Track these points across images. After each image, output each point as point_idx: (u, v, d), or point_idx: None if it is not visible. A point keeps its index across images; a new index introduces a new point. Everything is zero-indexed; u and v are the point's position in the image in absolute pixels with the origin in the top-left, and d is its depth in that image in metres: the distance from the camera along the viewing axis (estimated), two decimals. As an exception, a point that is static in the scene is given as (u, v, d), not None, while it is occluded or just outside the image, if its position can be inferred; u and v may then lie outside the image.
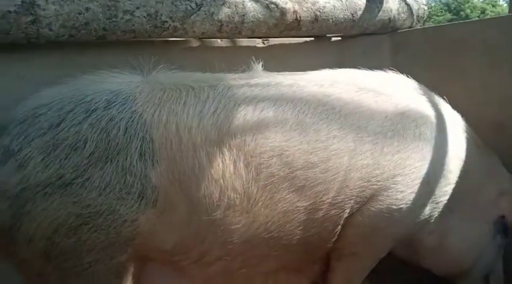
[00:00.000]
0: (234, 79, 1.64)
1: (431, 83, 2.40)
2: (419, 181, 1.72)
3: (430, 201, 1.77)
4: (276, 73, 1.75)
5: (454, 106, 2.10)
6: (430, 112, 1.83)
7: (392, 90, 1.83)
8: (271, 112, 1.55)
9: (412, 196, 1.71)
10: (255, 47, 2.51)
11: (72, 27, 1.90)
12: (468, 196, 1.89)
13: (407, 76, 2.02)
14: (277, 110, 1.57)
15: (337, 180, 1.60)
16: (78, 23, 1.91)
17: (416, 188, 1.71)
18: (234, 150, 1.49)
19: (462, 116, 2.05)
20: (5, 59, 1.86)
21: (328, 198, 1.60)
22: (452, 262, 1.96)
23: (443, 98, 2.02)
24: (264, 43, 2.55)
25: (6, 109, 1.49)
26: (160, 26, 2.11)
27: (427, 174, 1.73)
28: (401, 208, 1.70)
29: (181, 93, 1.51)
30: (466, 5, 25.26)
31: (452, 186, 1.82)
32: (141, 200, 1.41)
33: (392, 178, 1.67)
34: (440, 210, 1.82)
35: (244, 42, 2.50)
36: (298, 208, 1.58)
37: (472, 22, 2.81)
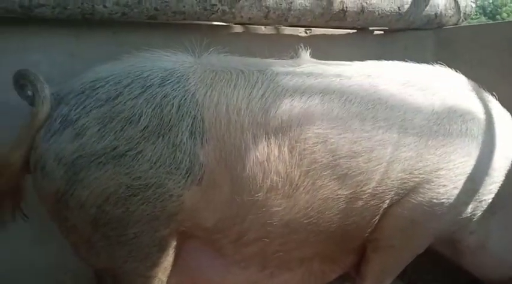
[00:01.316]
0: (283, 65, 1.67)
1: (475, 81, 2.39)
2: (463, 177, 1.72)
3: (473, 198, 1.76)
4: (323, 61, 1.78)
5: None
6: (478, 109, 1.82)
7: (440, 84, 1.83)
8: (317, 100, 1.58)
9: (454, 192, 1.71)
10: (298, 35, 2.54)
11: (125, 5, 1.97)
12: (510, 198, 1.87)
13: (456, 71, 1.99)
14: (324, 97, 1.59)
15: (379, 170, 1.62)
16: (132, 1, 1.98)
17: (459, 184, 1.71)
18: (280, 134, 1.52)
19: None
20: (61, 35, 1.94)
21: (369, 188, 1.62)
22: (491, 266, 1.96)
23: (494, 96, 1.98)
24: (306, 32, 2.57)
25: (57, 84, 1.55)
26: (210, 8, 2.16)
27: (472, 170, 1.73)
28: (443, 202, 1.70)
29: (232, 76, 1.55)
30: (503, 9, 24.52)
31: (497, 185, 1.81)
32: (188, 176, 1.45)
33: (435, 171, 1.68)
34: (483, 209, 1.82)
35: (287, 30, 2.53)
36: (338, 196, 1.60)
37: (520, 21, 2.77)
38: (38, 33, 1.90)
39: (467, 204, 1.76)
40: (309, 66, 1.68)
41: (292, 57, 1.75)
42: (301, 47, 1.76)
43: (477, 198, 1.77)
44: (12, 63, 1.79)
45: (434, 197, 1.69)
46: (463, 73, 2.14)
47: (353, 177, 1.60)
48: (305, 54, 1.76)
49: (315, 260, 1.81)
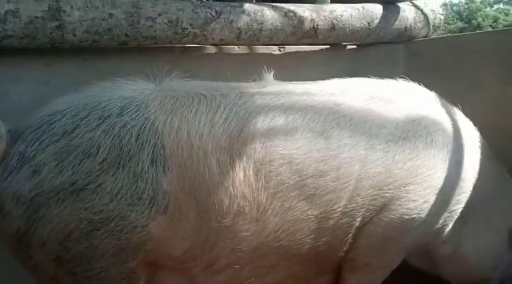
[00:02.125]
0: (246, 88, 1.54)
1: (446, 93, 2.24)
2: (432, 189, 1.59)
3: (443, 210, 1.63)
4: (286, 82, 1.65)
5: (470, 117, 1.94)
6: (443, 120, 1.69)
7: (403, 98, 1.70)
8: (281, 121, 1.46)
9: (424, 206, 1.58)
10: (271, 54, 2.41)
11: (95, 33, 1.84)
12: (480, 206, 1.74)
13: (419, 85, 1.87)
14: (288, 118, 1.47)
15: (348, 188, 1.49)
16: (102, 29, 1.85)
17: (428, 197, 1.59)
18: (244, 158, 1.39)
19: (478, 126, 1.89)
20: (31, 64, 1.80)
21: (339, 207, 1.49)
22: (469, 272, 1.82)
23: (458, 107, 1.87)
24: (280, 50, 2.44)
25: (30, 113, 1.41)
26: (181, 32, 2.03)
27: (440, 182, 1.60)
28: (414, 217, 1.57)
29: (194, 101, 1.42)
30: (478, 14, 24.22)
31: (466, 195, 1.69)
32: (152, 206, 1.32)
33: (404, 187, 1.55)
34: (453, 219, 1.69)
35: (261, 49, 2.39)
36: (308, 216, 1.47)
37: (489, 32, 2.64)
38: (7, 63, 1.75)
39: (438, 215, 1.64)
40: (272, 88, 1.55)
41: (255, 80, 1.62)
42: (264, 69, 1.63)
43: (447, 209, 1.65)
44: None
45: (405, 213, 1.56)
46: (433, 85, 2.01)
47: (322, 196, 1.46)
48: (268, 76, 1.62)
49: (288, 283, 1.66)
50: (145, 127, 1.34)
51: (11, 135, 1.32)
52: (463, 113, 1.89)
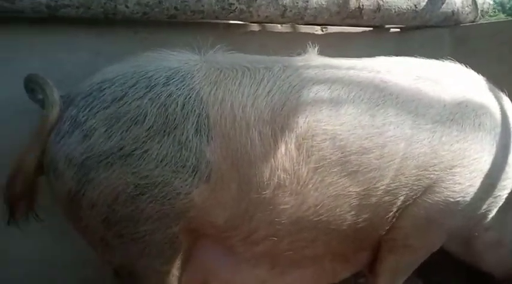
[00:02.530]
0: (290, 61, 1.48)
1: (492, 80, 2.10)
2: (478, 173, 1.50)
3: (489, 194, 1.54)
4: (331, 58, 1.57)
5: None
6: (490, 103, 1.59)
7: (451, 79, 1.61)
8: (325, 96, 1.40)
9: (470, 189, 1.50)
10: (314, 34, 2.31)
11: (146, 5, 1.81)
12: None
13: (466, 67, 1.76)
14: (332, 94, 1.41)
15: (392, 167, 1.42)
16: (152, 1, 1.81)
17: (474, 181, 1.50)
18: (286, 131, 1.35)
19: None
20: (84, 34, 1.80)
21: (382, 185, 1.43)
22: (509, 261, 1.73)
23: (504, 93, 1.75)
24: (322, 30, 2.34)
25: (81, 82, 1.41)
26: (228, 7, 1.97)
27: (487, 166, 1.51)
28: (459, 200, 1.50)
29: (237, 73, 1.38)
30: None
31: (506, 183, 1.58)
32: (195, 174, 1.30)
33: (450, 169, 1.47)
34: (498, 205, 1.60)
35: (303, 28, 2.30)
36: (350, 193, 1.42)
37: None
38: (63, 32, 1.75)
39: (483, 200, 1.55)
40: (316, 63, 1.49)
41: (300, 54, 1.55)
42: (309, 44, 1.56)
43: (493, 193, 1.56)
44: (38, 61, 1.69)
45: (450, 195, 1.49)
46: (480, 71, 1.88)
47: (365, 174, 1.40)
48: (313, 51, 1.55)
49: (327, 258, 1.61)
50: (190, 97, 1.31)
51: (63, 101, 1.33)
52: (510, 99, 1.76)
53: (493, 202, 1.57)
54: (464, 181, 1.49)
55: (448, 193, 1.48)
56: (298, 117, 1.35)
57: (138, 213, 1.31)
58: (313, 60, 1.51)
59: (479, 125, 1.51)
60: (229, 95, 1.34)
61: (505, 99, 1.71)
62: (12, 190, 1.33)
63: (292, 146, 1.35)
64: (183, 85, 1.32)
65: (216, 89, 1.34)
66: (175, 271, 1.43)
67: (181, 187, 1.30)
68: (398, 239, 1.57)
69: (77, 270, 1.86)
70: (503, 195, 1.58)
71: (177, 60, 1.40)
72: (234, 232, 1.43)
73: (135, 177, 1.27)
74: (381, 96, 1.44)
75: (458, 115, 1.50)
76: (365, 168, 1.40)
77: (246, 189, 1.35)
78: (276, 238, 1.45)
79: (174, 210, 1.32)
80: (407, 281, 1.75)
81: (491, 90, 1.68)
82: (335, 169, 1.38)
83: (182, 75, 1.34)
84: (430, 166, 1.45)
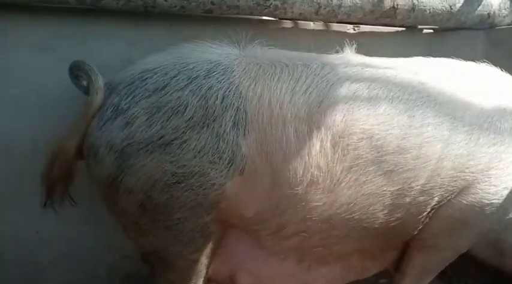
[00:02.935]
0: (328, 59, 1.54)
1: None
2: None
3: None
4: (369, 57, 1.62)
5: None
6: None
7: (489, 82, 1.66)
8: (363, 95, 1.45)
9: (504, 192, 1.54)
10: (346, 32, 2.36)
11: (184, -1, 1.88)
12: None
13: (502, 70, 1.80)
14: (371, 93, 1.45)
15: (428, 167, 1.47)
16: (191, -5, 1.89)
17: (510, 183, 1.54)
18: (322, 129, 1.40)
19: None
20: (122, 25, 1.87)
21: (417, 185, 1.48)
22: None
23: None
24: (354, 29, 2.38)
25: (116, 71, 1.49)
26: (263, 3, 2.03)
27: None
28: (493, 203, 1.54)
29: (276, 69, 1.44)
30: None
31: None
32: (231, 166, 1.36)
33: (486, 171, 1.52)
34: None
35: (335, 27, 2.35)
36: (384, 191, 1.46)
37: None
38: (103, 23, 1.83)
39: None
40: (354, 62, 1.54)
41: (337, 52, 1.60)
42: (346, 42, 1.61)
43: None
44: (76, 50, 1.77)
45: (485, 197, 1.53)
46: (513, 76, 1.90)
47: (400, 173, 1.45)
48: (350, 49, 1.61)
49: (355, 255, 1.67)
50: (230, 90, 1.37)
51: (106, 88, 1.40)
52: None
53: None
54: (500, 183, 1.53)
55: (483, 195, 1.52)
56: (336, 115, 1.40)
57: (173, 201, 1.37)
58: (351, 58, 1.56)
59: None
60: (267, 91, 1.39)
61: None
62: (51, 172, 1.42)
63: (328, 144, 1.40)
64: (223, 79, 1.38)
65: (255, 84, 1.39)
66: (204, 260, 1.50)
67: (217, 178, 1.35)
68: (429, 239, 1.61)
69: (106, 256, 1.96)
70: None
71: (217, 53, 1.46)
72: (263, 225, 1.48)
73: (173, 166, 1.34)
74: (419, 96, 1.48)
75: (496, 118, 1.54)
76: (401, 167, 1.44)
77: (278, 184, 1.41)
78: (306, 234, 1.50)
79: (208, 200, 1.38)
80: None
81: None
82: (370, 168, 1.43)
83: (223, 69, 1.40)
84: (467, 168, 1.49)
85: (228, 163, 1.36)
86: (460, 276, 2.23)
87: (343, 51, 1.60)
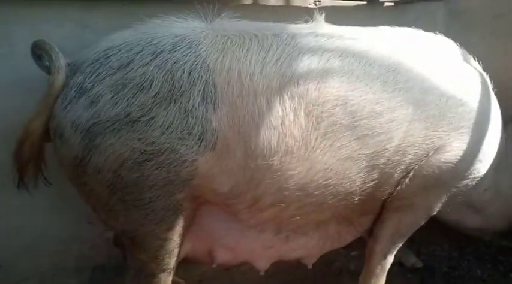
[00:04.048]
0: (298, 29, 1.68)
1: (487, 52, 2.40)
2: (480, 134, 1.84)
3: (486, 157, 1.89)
4: (339, 26, 1.79)
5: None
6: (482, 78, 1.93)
7: (452, 51, 1.94)
8: (336, 63, 1.60)
9: (475, 150, 1.82)
10: (307, 7, 2.54)
11: (135, -23, 2.00)
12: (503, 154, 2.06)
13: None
14: (343, 61, 1.61)
15: (402, 129, 1.66)
16: (142, -27, 2.00)
17: (479, 142, 1.84)
18: (296, 98, 1.54)
19: None
20: (72, 7, 1.96)
21: (391, 146, 1.67)
22: (507, 206, 2.19)
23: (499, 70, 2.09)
24: (315, 4, 2.57)
25: (69, 55, 1.58)
26: (220, -20, 2.18)
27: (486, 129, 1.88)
28: (465, 160, 1.80)
29: (245, 40, 1.56)
30: None
31: (497, 146, 1.96)
32: (201, 142, 1.48)
33: (459, 129, 1.76)
34: (490, 165, 1.94)
35: (297, 1, 2.52)
36: (359, 155, 1.64)
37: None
38: (50, 6, 1.92)
39: (482, 161, 1.88)
40: (325, 30, 1.70)
41: (306, 21, 1.76)
42: (316, 11, 1.77)
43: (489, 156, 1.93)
44: (26, 34, 1.85)
45: (459, 154, 1.77)
46: (474, 45, 2.18)
47: (375, 137, 1.64)
48: (320, 18, 1.76)
49: (332, 223, 1.84)
50: (197, 64, 1.48)
51: (70, 68, 1.50)
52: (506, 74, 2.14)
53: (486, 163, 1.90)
54: (470, 141, 1.79)
55: (457, 152, 1.76)
56: (309, 84, 1.55)
57: (144, 180, 1.48)
58: (321, 27, 1.71)
59: (485, 91, 1.87)
60: (236, 62, 1.51)
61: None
62: (20, 155, 1.51)
63: (302, 113, 1.54)
64: (189, 52, 1.49)
65: (223, 56, 1.51)
66: (176, 238, 1.62)
67: (187, 154, 1.47)
68: (406, 198, 1.82)
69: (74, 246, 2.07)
70: (493, 157, 1.94)
71: (183, 27, 1.58)
72: (239, 199, 1.62)
73: (141, 144, 1.44)
74: (391, 63, 1.68)
75: (460, 81, 1.81)
76: (375, 131, 1.62)
77: (252, 157, 1.54)
78: (283, 204, 1.65)
79: (179, 177, 1.49)
80: (398, 252, 2.04)
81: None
82: (345, 134, 1.59)
83: (189, 42, 1.51)
84: (440, 127, 1.72)
85: (199, 138, 1.47)
86: (427, 243, 2.61)
87: (312, 20, 1.75)
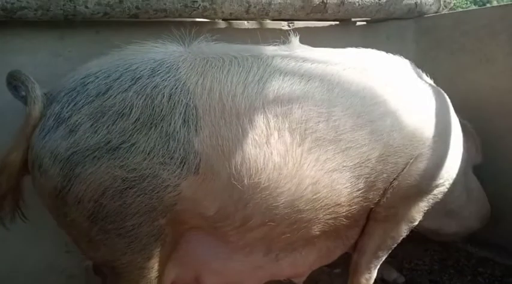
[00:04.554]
0: (276, 50, 1.77)
1: (456, 68, 2.55)
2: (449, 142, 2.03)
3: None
4: (314, 48, 1.90)
5: (478, 92, 2.44)
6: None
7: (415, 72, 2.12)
8: (316, 82, 1.70)
9: (449, 158, 2.01)
10: (281, 29, 2.64)
11: (106, 5, 2.05)
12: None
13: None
14: (323, 79, 1.72)
15: (382, 140, 1.79)
16: (113, 1, 2.06)
17: (452, 151, 2.03)
18: (280, 118, 1.61)
19: (486, 101, 2.44)
20: (44, 35, 2.00)
21: (374, 156, 1.78)
22: (481, 205, 2.50)
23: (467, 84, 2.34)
24: (289, 26, 2.68)
25: (44, 84, 1.60)
26: (191, 5, 2.25)
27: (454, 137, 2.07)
28: (440, 166, 1.96)
29: (225, 62, 1.62)
30: None
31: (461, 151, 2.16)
32: (183, 165, 1.51)
33: (432, 137, 1.90)
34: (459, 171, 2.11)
35: (270, 24, 2.63)
36: (344, 167, 1.72)
37: (498, 7, 2.94)
38: (22, 35, 1.96)
39: (451, 167, 2.07)
40: (303, 51, 1.80)
41: (282, 43, 1.84)
42: (291, 32, 1.86)
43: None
44: None
45: (434, 162, 1.94)
46: (444, 60, 2.32)
47: (358, 148, 1.74)
48: (296, 40, 1.86)
49: (321, 238, 1.89)
50: (176, 87, 1.53)
51: (47, 97, 1.52)
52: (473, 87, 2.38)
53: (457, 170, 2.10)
54: (445, 150, 1.97)
55: (433, 160, 1.92)
56: (292, 103, 1.62)
57: (126, 207, 1.50)
58: (298, 48, 1.81)
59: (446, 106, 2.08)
60: (217, 84, 1.56)
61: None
62: None
63: (286, 132, 1.61)
64: (168, 77, 1.54)
65: (203, 79, 1.56)
66: (157, 266, 1.64)
67: (170, 179, 1.49)
68: (389, 208, 1.93)
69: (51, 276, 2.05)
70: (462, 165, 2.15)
71: (161, 52, 1.63)
72: (227, 221, 1.64)
73: (122, 171, 1.46)
74: (367, 80, 1.83)
75: (430, 95, 2.00)
76: (358, 143, 1.73)
77: (238, 177, 1.57)
78: (273, 223, 1.69)
79: (163, 203, 1.52)
80: (380, 267, 2.15)
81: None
82: (330, 147, 1.68)
83: (167, 67, 1.56)
84: (414, 137, 1.87)
85: (181, 162, 1.50)
86: (410, 258, 2.78)
87: (288, 42, 1.84)
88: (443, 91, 2.16)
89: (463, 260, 2.78)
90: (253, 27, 2.57)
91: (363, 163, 1.76)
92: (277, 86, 1.63)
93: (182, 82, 1.55)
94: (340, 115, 1.71)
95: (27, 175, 1.56)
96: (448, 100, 2.14)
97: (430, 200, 2.04)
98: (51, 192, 1.50)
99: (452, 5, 3.20)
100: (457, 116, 2.15)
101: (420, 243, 2.62)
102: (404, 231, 2.06)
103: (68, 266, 1.99)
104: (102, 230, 1.54)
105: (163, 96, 1.52)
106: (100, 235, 1.55)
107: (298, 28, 2.67)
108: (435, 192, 2.03)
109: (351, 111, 1.73)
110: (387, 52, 2.11)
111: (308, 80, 1.69)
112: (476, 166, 2.49)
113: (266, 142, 1.59)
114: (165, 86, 1.53)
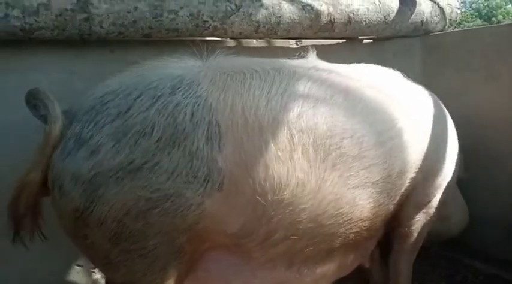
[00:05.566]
0: (298, 64, 1.79)
1: (462, 86, 2.61)
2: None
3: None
4: (329, 63, 1.94)
5: (484, 109, 2.54)
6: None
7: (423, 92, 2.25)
8: (341, 98, 1.74)
9: (450, 171, 2.20)
10: (289, 47, 2.69)
11: (121, 25, 2.09)
12: None
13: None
14: (348, 96, 1.76)
15: (401, 156, 1.86)
16: (127, 21, 2.10)
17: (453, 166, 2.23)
18: (305, 133, 1.60)
19: (492, 118, 2.53)
20: (60, 54, 2.03)
21: (394, 172, 1.83)
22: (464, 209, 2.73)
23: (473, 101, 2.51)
24: (297, 44, 2.73)
25: (58, 101, 1.57)
26: (202, 25, 2.30)
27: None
28: (445, 180, 2.16)
29: (246, 76, 1.61)
30: (498, 11, 24.74)
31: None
32: (207, 183, 1.49)
33: (444, 152, 2.04)
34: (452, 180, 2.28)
35: (278, 42, 2.68)
36: (367, 183, 1.75)
37: (504, 25, 3.01)
38: (39, 53, 1.99)
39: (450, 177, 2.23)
40: (322, 67, 1.83)
41: (302, 57, 1.88)
42: (310, 48, 1.93)
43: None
44: (14, 82, 1.91)
45: (441, 176, 2.10)
46: (449, 78, 2.40)
47: (380, 165, 1.77)
48: (314, 54, 1.91)
49: (341, 249, 1.89)
50: (198, 105, 1.51)
51: (66, 116, 1.51)
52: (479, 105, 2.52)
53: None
54: (451, 162, 2.15)
55: (440, 175, 2.08)
56: (317, 118, 1.63)
57: (149, 227, 1.47)
58: (317, 63, 1.85)
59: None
60: (239, 98, 1.55)
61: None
62: (16, 208, 1.49)
63: (310, 147, 1.61)
64: (189, 94, 1.52)
65: (225, 94, 1.55)
66: None
67: (194, 197, 1.48)
68: (407, 225, 2.05)
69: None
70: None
71: (180, 67, 1.62)
72: (251, 237, 1.62)
73: (146, 191, 1.45)
74: (387, 96, 1.93)
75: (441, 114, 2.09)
76: (380, 160, 1.77)
77: (261, 193, 1.55)
78: (295, 237, 1.68)
79: (186, 222, 1.50)
80: None
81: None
82: (354, 164, 1.70)
83: (188, 83, 1.54)
84: (431, 152, 1.98)
85: (204, 180, 1.48)
86: (416, 274, 2.68)
87: (307, 57, 1.88)
88: (443, 105, 2.25)
89: (471, 277, 2.79)
90: (261, 45, 2.60)
91: (384, 179, 1.80)
92: (302, 100, 1.63)
93: (204, 98, 1.54)
94: (364, 132, 1.74)
95: (47, 196, 1.55)
96: (448, 115, 2.25)
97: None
98: (72, 213, 1.48)
99: (457, 22, 3.27)
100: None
101: (427, 259, 2.62)
102: (418, 243, 2.22)
103: (77, 281, 1.97)
104: (124, 251, 1.52)
105: (186, 114, 1.50)
106: (121, 256, 1.53)
107: (305, 46, 2.70)
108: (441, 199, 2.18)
109: (374, 128, 1.77)
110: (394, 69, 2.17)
111: (332, 95, 1.71)
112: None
113: (289, 158, 1.58)
114: (187, 104, 1.52)
